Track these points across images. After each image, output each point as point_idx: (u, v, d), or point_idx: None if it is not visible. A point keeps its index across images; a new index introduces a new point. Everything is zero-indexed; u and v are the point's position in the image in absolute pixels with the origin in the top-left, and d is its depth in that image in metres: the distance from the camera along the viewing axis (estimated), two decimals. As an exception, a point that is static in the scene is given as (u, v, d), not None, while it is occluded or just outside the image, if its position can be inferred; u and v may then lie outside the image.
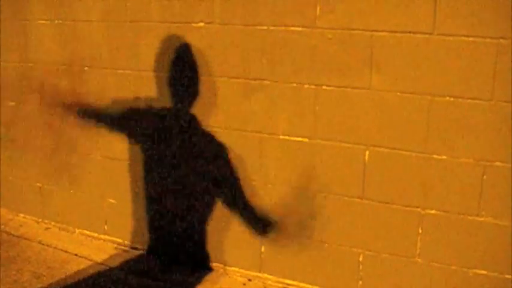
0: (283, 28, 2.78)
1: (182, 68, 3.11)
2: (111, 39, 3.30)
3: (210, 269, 3.36)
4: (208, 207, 3.24)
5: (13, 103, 3.85)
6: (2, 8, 3.67)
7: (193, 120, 3.16)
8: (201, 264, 3.38)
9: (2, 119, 3.95)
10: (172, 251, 3.46)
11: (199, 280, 3.25)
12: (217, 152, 3.12)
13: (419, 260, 2.75)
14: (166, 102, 3.20)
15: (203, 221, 3.29)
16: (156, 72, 3.18)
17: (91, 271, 3.35)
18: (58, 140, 3.72)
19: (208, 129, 3.11)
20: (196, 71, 3.08)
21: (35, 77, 3.68)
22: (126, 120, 3.37)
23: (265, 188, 3.04)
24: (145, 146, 3.34)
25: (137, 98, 3.29)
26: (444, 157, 2.57)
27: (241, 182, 3.10)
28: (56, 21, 3.47)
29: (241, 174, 3.09)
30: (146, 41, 3.18)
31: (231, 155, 3.09)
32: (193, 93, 3.12)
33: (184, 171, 3.26)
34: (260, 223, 3.11)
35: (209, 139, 3.14)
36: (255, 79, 2.92)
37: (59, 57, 3.54)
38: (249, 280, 3.23)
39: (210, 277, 3.29)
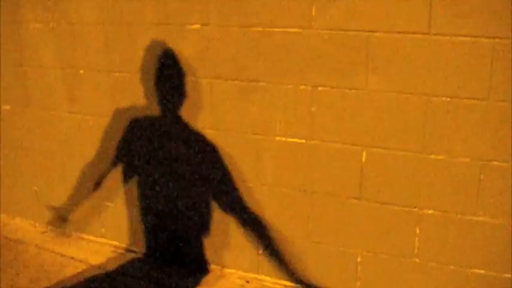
0: (279, 29, 2.78)
1: (170, 71, 3.11)
2: (107, 41, 3.29)
3: (207, 271, 3.35)
4: (205, 209, 3.24)
5: (9, 107, 3.85)
6: (-3, 11, 3.67)
7: (183, 122, 3.15)
8: (199, 267, 3.37)
9: (1, 123, 3.95)
10: (169, 254, 3.45)
11: (197, 282, 3.25)
12: (209, 152, 3.12)
13: (417, 260, 2.75)
14: (158, 105, 3.19)
15: (200, 223, 3.29)
16: (150, 75, 3.18)
17: (88, 274, 3.34)
18: (55, 144, 3.72)
19: (204, 131, 3.11)
20: (184, 74, 3.09)
21: (31, 80, 3.67)
22: (123, 134, 3.37)
23: (262, 189, 3.04)
24: (141, 149, 3.34)
25: (132, 102, 3.28)
26: (441, 157, 2.57)
27: (237, 184, 3.10)
28: (51, 24, 3.47)
29: (237, 176, 3.09)
30: (141, 43, 3.17)
31: (223, 155, 3.09)
32: (182, 95, 3.12)
33: (179, 174, 3.25)
34: (258, 226, 3.10)
35: (200, 140, 3.13)
36: (251, 80, 2.92)
37: (54, 60, 3.53)
38: (247, 282, 3.23)
39: (207, 279, 3.28)
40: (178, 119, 3.16)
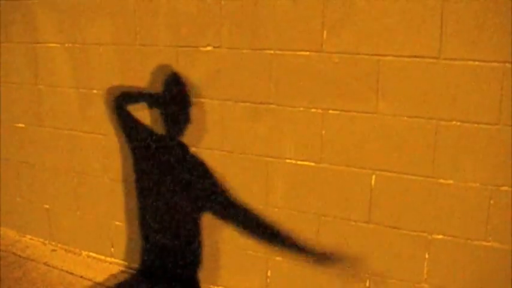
0: (290, 52, 2.80)
1: (181, 93, 3.14)
2: (120, 62, 3.33)
3: (215, 293, 3.35)
4: (214, 231, 3.24)
5: (23, 125, 3.89)
6: (14, 30, 3.72)
7: (184, 146, 3.17)
8: (207, 288, 3.38)
9: (13, 141, 3.98)
10: (178, 274, 3.45)
11: (204, 304, 3.25)
12: (205, 172, 3.13)
13: (426, 286, 2.73)
14: (165, 128, 3.21)
15: (208, 245, 3.28)
16: (162, 96, 3.20)
17: (97, 294, 3.35)
18: (67, 163, 3.74)
19: (214, 152, 3.12)
20: (192, 96, 3.12)
21: (45, 99, 3.71)
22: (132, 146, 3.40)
23: (272, 211, 3.04)
24: (147, 170, 3.36)
25: (143, 123, 3.31)
26: (451, 181, 2.57)
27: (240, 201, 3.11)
28: (67, 45, 3.51)
29: (247, 198, 3.09)
30: (155, 65, 3.20)
31: (221, 179, 3.10)
32: (190, 117, 3.15)
33: (183, 196, 3.26)
34: (266, 230, 3.09)
35: (199, 163, 3.15)
36: (261, 103, 2.93)
37: (68, 80, 3.57)
38: (255, 304, 3.22)
39: (215, 301, 3.28)
40: (180, 143, 3.18)
